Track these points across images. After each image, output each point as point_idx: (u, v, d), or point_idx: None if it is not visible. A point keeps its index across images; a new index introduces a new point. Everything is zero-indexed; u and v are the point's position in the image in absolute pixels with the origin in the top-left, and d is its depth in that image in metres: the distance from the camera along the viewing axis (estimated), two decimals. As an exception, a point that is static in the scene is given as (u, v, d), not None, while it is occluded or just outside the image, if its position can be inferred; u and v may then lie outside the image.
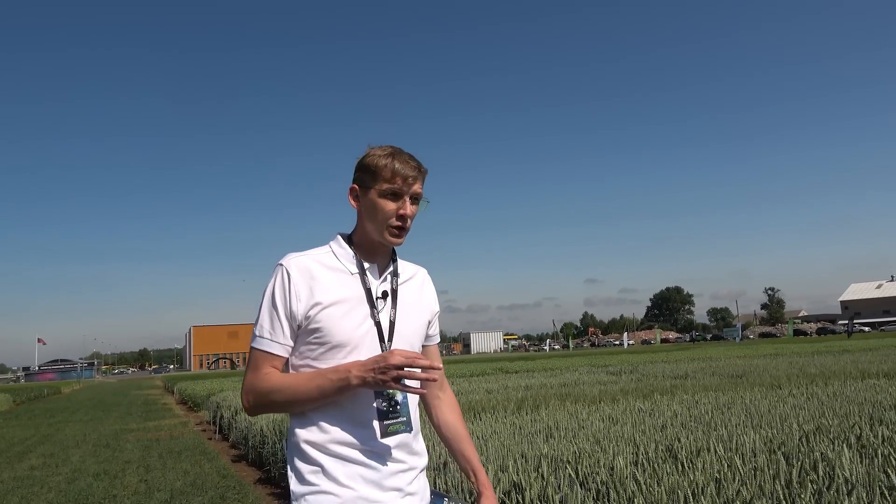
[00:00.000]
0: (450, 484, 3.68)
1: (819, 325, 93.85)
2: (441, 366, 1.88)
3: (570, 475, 3.46)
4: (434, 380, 1.53)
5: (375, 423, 1.57)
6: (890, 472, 3.15)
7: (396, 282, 1.70)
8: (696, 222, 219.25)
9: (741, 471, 3.29)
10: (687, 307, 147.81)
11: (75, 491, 7.31)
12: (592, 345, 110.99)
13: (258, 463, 8.09)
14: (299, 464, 1.58)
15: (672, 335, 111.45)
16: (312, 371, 1.56)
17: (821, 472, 3.24)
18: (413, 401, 1.66)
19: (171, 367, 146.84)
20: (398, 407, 1.60)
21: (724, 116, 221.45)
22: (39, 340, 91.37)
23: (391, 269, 1.70)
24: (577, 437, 5.15)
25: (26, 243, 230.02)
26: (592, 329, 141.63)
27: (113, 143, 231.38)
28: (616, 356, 32.29)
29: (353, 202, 1.68)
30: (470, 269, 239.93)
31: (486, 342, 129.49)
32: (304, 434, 1.58)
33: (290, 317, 1.57)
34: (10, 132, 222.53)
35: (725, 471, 3.30)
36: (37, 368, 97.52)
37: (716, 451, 3.92)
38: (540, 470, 3.59)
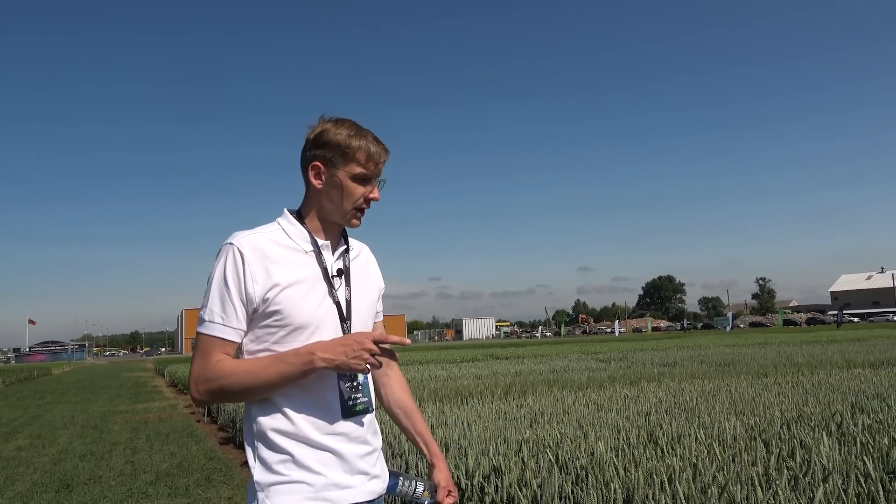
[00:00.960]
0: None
1: (809, 315, 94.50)
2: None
3: (550, 459, 3.47)
4: (408, 342, 1.48)
5: (338, 405, 1.54)
6: (867, 459, 3.17)
7: (348, 259, 1.66)
8: (689, 212, 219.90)
9: (719, 457, 3.31)
10: (679, 296, 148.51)
11: (61, 471, 7.30)
12: (584, 332, 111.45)
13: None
14: (265, 453, 1.51)
15: (664, 323, 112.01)
16: (271, 356, 1.49)
17: (798, 459, 3.26)
18: (370, 380, 1.65)
19: (163, 349, 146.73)
20: (360, 387, 1.57)
21: (716, 107, 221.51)
22: (30, 321, 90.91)
23: (343, 246, 1.66)
24: (561, 422, 5.17)
25: (18, 225, 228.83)
26: (583, 316, 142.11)
27: (105, 128, 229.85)
28: (607, 343, 32.45)
29: (314, 181, 1.59)
30: (463, 256, 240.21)
31: (478, 328, 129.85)
32: (268, 422, 1.52)
33: (246, 300, 1.49)
34: (1, 116, 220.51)
35: (704, 456, 3.32)
36: (27, 350, 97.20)
37: (696, 438, 3.94)
38: (521, 454, 3.60)
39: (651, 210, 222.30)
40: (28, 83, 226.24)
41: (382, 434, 4.16)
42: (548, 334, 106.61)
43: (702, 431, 4.17)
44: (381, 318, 1.82)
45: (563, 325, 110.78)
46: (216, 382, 1.47)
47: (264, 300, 1.50)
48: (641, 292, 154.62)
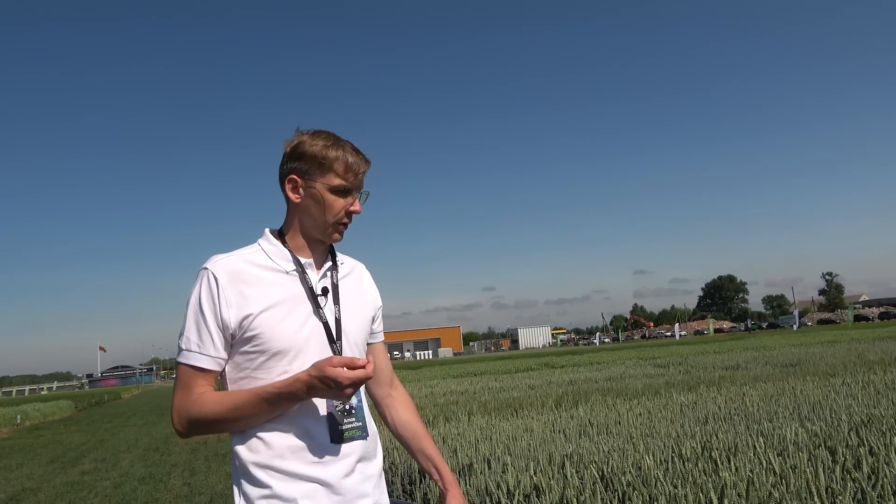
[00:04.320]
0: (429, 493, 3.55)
1: (881, 309, 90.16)
2: (389, 363, 1.76)
3: (594, 475, 3.30)
4: (370, 376, 1.35)
5: (326, 432, 1.44)
6: (944, 467, 2.89)
7: (336, 276, 1.55)
8: (748, 208, 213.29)
9: (777, 469, 3.08)
10: (741, 295, 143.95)
11: (120, 495, 7.45)
12: (643, 337, 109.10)
13: (298, 464, 8.12)
14: (247, 487, 1.42)
15: (726, 325, 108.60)
16: (254, 393, 1.38)
17: (866, 470, 3.00)
18: (366, 402, 1.54)
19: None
20: (353, 410, 1.46)
21: (776, 98, 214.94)
22: (100, 348, 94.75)
23: (329, 263, 1.56)
24: (611, 433, 4.97)
25: (87, 257, 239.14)
26: (633, 316, 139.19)
27: (163, 156, 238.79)
28: (666, 348, 31.62)
29: (292, 195, 1.51)
30: (516, 265, 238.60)
31: (534, 337, 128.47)
32: (247, 455, 1.43)
33: (222, 326, 1.41)
34: (70, 145, 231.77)
35: (760, 469, 3.09)
36: (99, 375, 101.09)
37: (755, 448, 3.70)
38: (564, 470, 3.43)
39: (707, 208, 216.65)
40: (94, 113, 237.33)
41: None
42: (606, 340, 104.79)
43: (761, 440, 3.92)
44: (381, 338, 1.73)
45: (620, 330, 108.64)
46: (197, 418, 1.40)
47: (241, 325, 1.41)
48: (701, 293, 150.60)
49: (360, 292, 1.62)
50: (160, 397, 37.28)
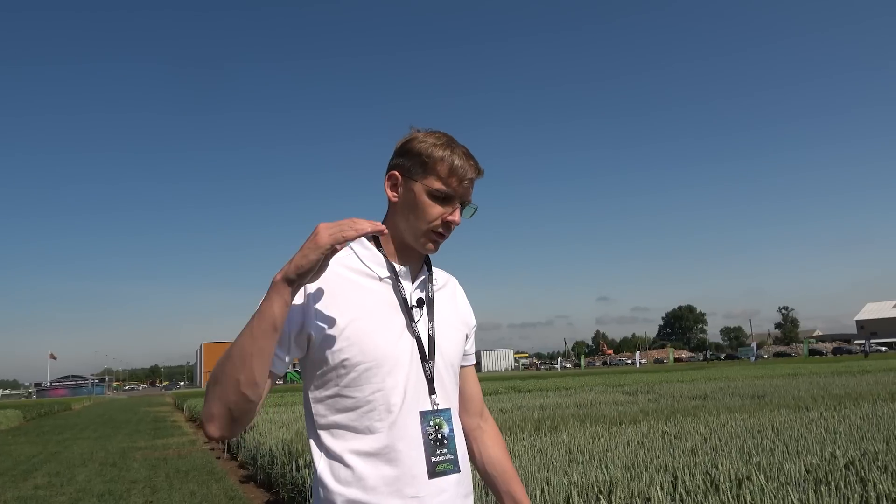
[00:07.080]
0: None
1: (834, 344, 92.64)
2: (480, 390, 1.61)
3: (604, 507, 3.19)
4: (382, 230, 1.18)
5: (423, 462, 1.28)
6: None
7: (432, 289, 1.40)
8: (709, 240, 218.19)
9: (796, 504, 3.01)
10: (700, 326, 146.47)
11: (78, 513, 7.07)
12: (605, 363, 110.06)
13: (266, 484, 7.84)
14: None
15: (685, 354, 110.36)
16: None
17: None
18: (460, 433, 1.37)
19: (182, 383, 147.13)
20: (445, 441, 1.31)
21: (737, 133, 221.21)
22: (51, 356, 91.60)
23: (425, 274, 1.41)
24: (603, 461, 4.87)
25: (39, 259, 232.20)
26: (601, 342, 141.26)
27: (123, 161, 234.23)
28: (630, 375, 31.83)
29: (390, 192, 1.37)
30: (481, 287, 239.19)
31: (496, 360, 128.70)
32: (335, 486, 1.26)
33: (301, 326, 1.25)
34: (25, 146, 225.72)
35: (780, 504, 3.02)
36: (48, 384, 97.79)
37: (759, 481, 3.63)
38: (571, 501, 3.32)
39: (671, 238, 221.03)
40: (55, 112, 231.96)
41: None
42: (567, 366, 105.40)
43: (762, 473, 3.86)
44: (472, 361, 1.56)
45: (583, 356, 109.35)
46: (212, 376, 1.19)
47: (327, 333, 1.26)
48: (662, 322, 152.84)
49: (454, 308, 1.46)
50: (113, 409, 36.04)
